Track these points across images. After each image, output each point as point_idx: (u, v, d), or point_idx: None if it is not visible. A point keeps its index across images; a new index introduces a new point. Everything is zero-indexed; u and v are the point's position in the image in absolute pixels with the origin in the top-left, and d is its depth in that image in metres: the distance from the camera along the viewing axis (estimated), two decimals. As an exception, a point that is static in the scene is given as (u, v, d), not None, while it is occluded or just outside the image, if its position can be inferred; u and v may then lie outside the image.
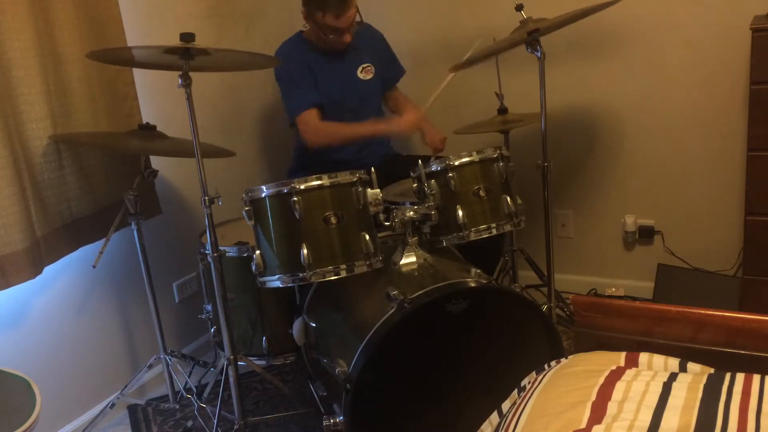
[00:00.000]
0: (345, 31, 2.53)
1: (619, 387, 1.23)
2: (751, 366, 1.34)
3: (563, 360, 1.42)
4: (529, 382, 1.40)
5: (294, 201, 1.85)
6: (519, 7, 2.40)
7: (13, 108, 2.02)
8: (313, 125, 2.58)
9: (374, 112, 2.80)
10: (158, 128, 2.23)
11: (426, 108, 2.51)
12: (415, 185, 2.07)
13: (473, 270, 1.97)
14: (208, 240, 2.01)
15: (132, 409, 2.51)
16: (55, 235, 2.16)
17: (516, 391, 1.43)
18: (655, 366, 1.36)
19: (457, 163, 2.03)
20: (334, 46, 2.62)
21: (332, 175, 1.89)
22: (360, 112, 2.71)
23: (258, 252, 1.93)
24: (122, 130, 2.31)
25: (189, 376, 2.53)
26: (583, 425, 1.13)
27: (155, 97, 2.55)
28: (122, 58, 2.23)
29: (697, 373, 1.31)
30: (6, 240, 1.98)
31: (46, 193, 2.13)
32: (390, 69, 2.88)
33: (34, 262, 2.05)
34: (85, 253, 2.29)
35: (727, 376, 1.25)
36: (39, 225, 2.08)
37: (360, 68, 2.72)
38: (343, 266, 1.89)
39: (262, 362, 2.34)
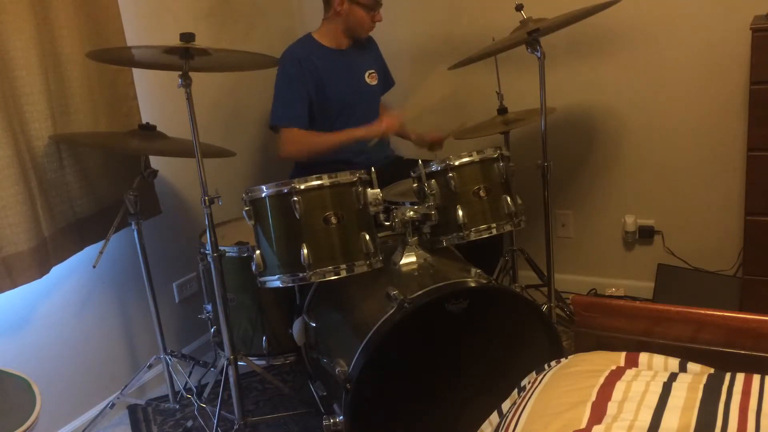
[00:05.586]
0: (382, 3, 2.63)
1: (619, 387, 1.23)
2: (751, 366, 1.34)
3: (563, 360, 1.42)
4: (529, 382, 1.40)
5: (294, 201, 1.85)
6: (519, 7, 2.39)
7: (16, 108, 2.02)
8: (294, 135, 2.58)
9: (376, 118, 2.80)
10: (158, 128, 2.23)
11: (409, 109, 2.51)
12: (415, 185, 2.07)
13: (473, 270, 1.97)
14: (208, 240, 2.01)
15: (132, 409, 2.51)
16: (61, 235, 2.16)
17: (516, 391, 1.43)
18: (655, 366, 1.36)
19: (457, 163, 2.03)
20: (363, 29, 2.66)
21: (332, 175, 1.89)
22: (365, 117, 2.72)
23: (258, 252, 1.93)
24: (122, 130, 2.31)
25: (189, 376, 2.53)
26: (583, 425, 1.13)
27: (155, 97, 2.55)
28: (122, 58, 2.23)
29: (697, 373, 1.31)
30: (12, 239, 1.98)
31: (51, 193, 2.13)
32: (385, 80, 2.90)
33: (40, 261, 2.05)
34: (86, 253, 2.29)
35: (727, 376, 1.25)
36: (46, 225, 2.08)
37: (367, 73, 2.74)
38: (343, 266, 1.89)
39: (262, 362, 2.34)
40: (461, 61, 2.53)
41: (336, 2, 2.59)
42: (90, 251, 2.29)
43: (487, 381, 1.81)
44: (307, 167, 2.67)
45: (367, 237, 1.91)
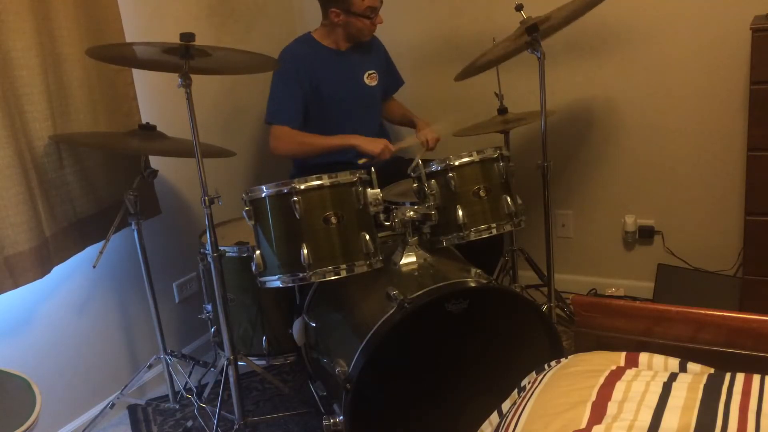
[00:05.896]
0: (380, 7, 2.60)
1: (619, 387, 1.23)
2: (751, 366, 1.34)
3: (563, 360, 1.42)
4: (529, 382, 1.40)
5: (294, 201, 1.85)
6: (519, 7, 2.39)
7: (17, 108, 2.02)
8: (284, 132, 2.57)
9: (375, 119, 2.81)
10: (158, 128, 2.23)
11: (398, 147, 2.52)
12: (415, 185, 2.07)
13: (473, 270, 1.97)
14: (208, 240, 2.01)
15: (132, 409, 2.51)
16: (62, 235, 2.16)
17: (516, 391, 1.43)
18: (655, 366, 1.36)
19: (457, 163, 2.03)
20: (364, 35, 2.65)
21: (332, 175, 1.89)
22: (363, 118, 2.72)
23: (258, 252, 1.93)
24: (122, 130, 2.31)
25: (189, 376, 2.53)
26: (583, 425, 1.13)
27: (155, 97, 2.55)
28: (122, 56, 2.22)
29: (697, 373, 1.31)
30: (14, 240, 1.98)
31: (52, 193, 2.13)
32: (390, 79, 2.90)
33: (42, 261, 2.05)
34: (86, 253, 2.29)
35: (727, 376, 1.25)
36: (47, 225, 2.08)
37: (366, 74, 2.74)
38: (343, 266, 1.89)
39: (262, 362, 2.34)
40: (465, 72, 2.53)
41: (332, 15, 2.58)
42: (90, 251, 2.29)
43: (487, 381, 1.82)
44: (307, 167, 2.67)
45: (367, 237, 1.91)
